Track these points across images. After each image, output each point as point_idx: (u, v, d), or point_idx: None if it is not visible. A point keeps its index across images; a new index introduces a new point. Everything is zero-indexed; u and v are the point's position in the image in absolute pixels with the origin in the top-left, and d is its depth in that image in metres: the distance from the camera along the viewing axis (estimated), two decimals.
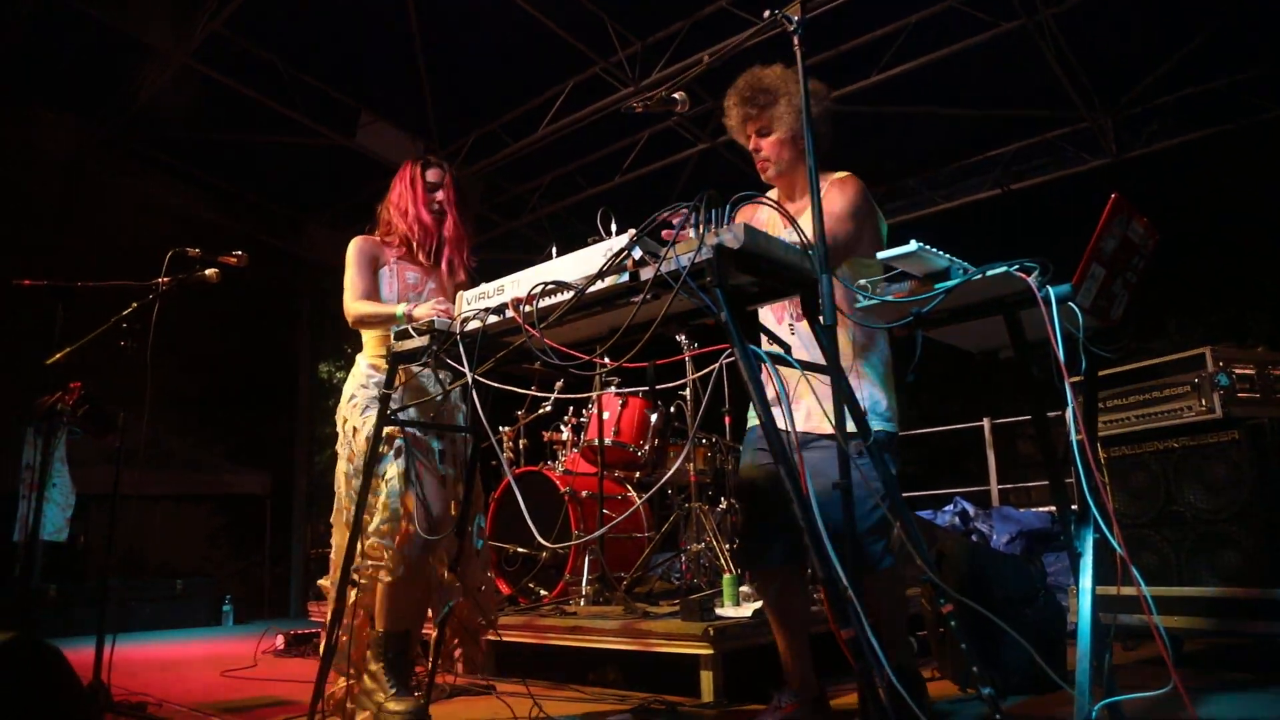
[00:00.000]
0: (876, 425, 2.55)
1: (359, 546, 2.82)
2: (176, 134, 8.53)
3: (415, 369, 2.93)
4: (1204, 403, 3.29)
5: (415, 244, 3.18)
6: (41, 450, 3.75)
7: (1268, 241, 9.81)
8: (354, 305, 3.08)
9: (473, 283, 2.85)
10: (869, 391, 2.61)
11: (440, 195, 3.21)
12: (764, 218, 2.82)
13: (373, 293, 3.12)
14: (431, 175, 3.22)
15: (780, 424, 1.82)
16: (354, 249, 3.17)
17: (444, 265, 3.20)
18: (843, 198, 2.60)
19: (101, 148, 8.43)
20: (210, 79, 7.40)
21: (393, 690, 2.81)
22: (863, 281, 2.25)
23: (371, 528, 2.82)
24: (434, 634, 3.07)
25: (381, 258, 3.19)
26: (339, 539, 3.02)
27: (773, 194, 2.83)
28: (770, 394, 1.89)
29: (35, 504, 3.74)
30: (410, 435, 2.91)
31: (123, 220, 8.57)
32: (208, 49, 7.10)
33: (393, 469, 2.85)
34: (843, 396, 1.93)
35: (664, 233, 1.96)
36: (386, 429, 2.80)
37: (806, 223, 2.42)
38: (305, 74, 7.83)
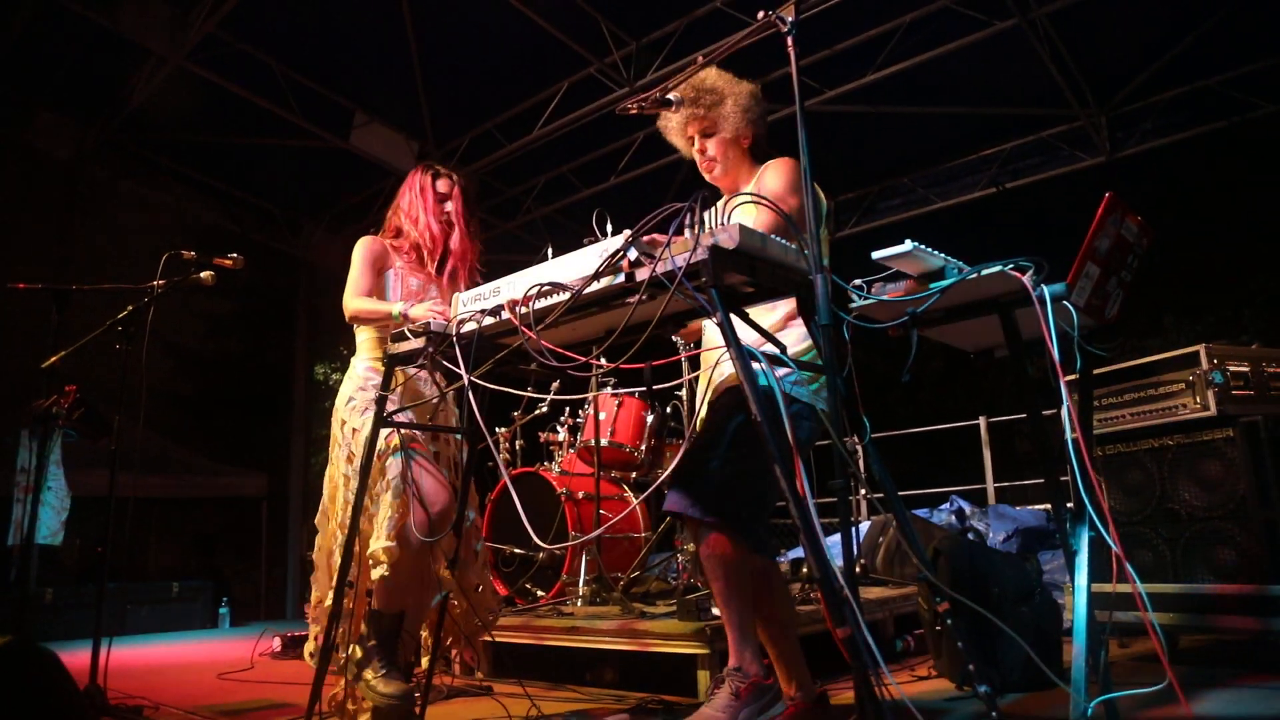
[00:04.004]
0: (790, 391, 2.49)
1: (357, 549, 2.81)
2: (174, 136, 8.54)
3: (411, 371, 2.92)
4: (1198, 400, 3.30)
5: (426, 253, 3.17)
6: (37, 453, 3.75)
7: (1262, 238, 9.84)
8: (352, 301, 3.08)
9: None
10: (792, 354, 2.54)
11: (449, 206, 3.21)
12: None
13: (375, 292, 3.12)
14: (441, 185, 3.22)
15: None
16: (362, 247, 3.17)
17: (446, 277, 3.19)
18: (778, 177, 2.62)
19: (100, 150, 8.44)
20: (206, 81, 7.40)
21: (382, 671, 2.78)
22: (857, 281, 2.25)
23: (380, 532, 2.79)
24: (430, 635, 3.07)
25: (388, 261, 3.18)
26: (323, 540, 3.01)
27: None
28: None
29: (30, 507, 3.74)
30: (408, 437, 2.91)
31: (121, 222, 8.58)
32: (203, 51, 7.10)
33: (394, 468, 2.85)
34: (838, 395, 1.93)
35: (647, 239, 1.96)
36: (385, 432, 2.80)
37: (738, 213, 2.43)
38: (300, 75, 7.83)
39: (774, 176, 2.64)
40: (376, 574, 2.76)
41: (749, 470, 2.45)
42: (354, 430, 2.97)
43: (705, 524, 2.49)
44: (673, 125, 2.81)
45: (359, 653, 2.85)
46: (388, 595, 2.85)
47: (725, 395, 2.58)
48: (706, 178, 2.83)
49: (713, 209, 2.09)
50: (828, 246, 2.69)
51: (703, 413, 2.74)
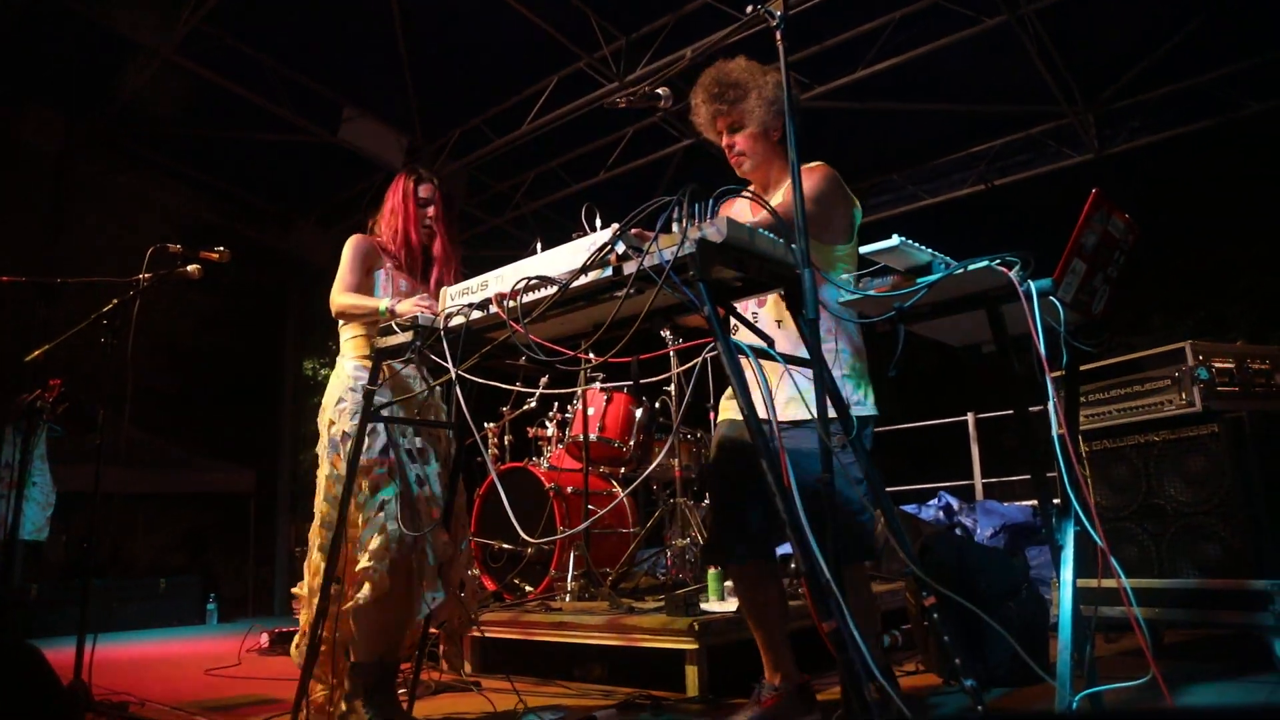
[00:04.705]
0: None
1: (344, 554, 2.80)
2: (162, 130, 8.48)
3: (398, 366, 2.91)
4: (1184, 396, 3.31)
5: (404, 265, 3.19)
6: (21, 448, 3.72)
7: (1247, 236, 9.89)
8: (340, 296, 3.08)
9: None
10: (839, 380, 2.60)
11: (431, 212, 3.21)
12: (739, 209, 2.82)
13: (363, 290, 3.12)
14: (424, 191, 3.22)
15: (761, 413, 1.83)
16: (352, 245, 3.17)
17: (432, 284, 3.19)
18: (808, 184, 2.58)
19: (88, 144, 8.37)
20: (195, 74, 7.36)
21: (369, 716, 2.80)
22: (845, 276, 2.26)
23: (368, 550, 2.78)
24: (418, 631, 3.06)
25: (378, 261, 3.18)
26: (316, 544, 2.99)
27: (751, 188, 2.84)
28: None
29: (15, 503, 3.72)
30: (393, 432, 2.90)
31: (108, 216, 8.51)
32: (191, 45, 7.06)
33: (390, 492, 2.83)
34: (824, 388, 1.93)
35: (633, 230, 1.96)
36: (378, 453, 2.80)
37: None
38: (288, 69, 7.79)
39: (804, 184, 2.61)
40: (362, 596, 2.74)
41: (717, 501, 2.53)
42: (343, 434, 2.94)
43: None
44: (702, 120, 2.80)
45: (344, 706, 2.85)
46: (364, 642, 2.84)
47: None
48: (737, 172, 2.82)
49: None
50: (855, 261, 2.69)
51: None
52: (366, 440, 2.83)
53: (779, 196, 2.69)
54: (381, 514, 2.81)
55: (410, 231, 3.17)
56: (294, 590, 3.04)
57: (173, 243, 3.55)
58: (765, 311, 2.72)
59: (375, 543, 2.77)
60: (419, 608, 2.87)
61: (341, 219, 9.82)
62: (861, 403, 2.63)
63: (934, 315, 2.31)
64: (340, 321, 3.15)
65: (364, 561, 2.76)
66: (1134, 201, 2.43)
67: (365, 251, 3.17)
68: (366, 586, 2.75)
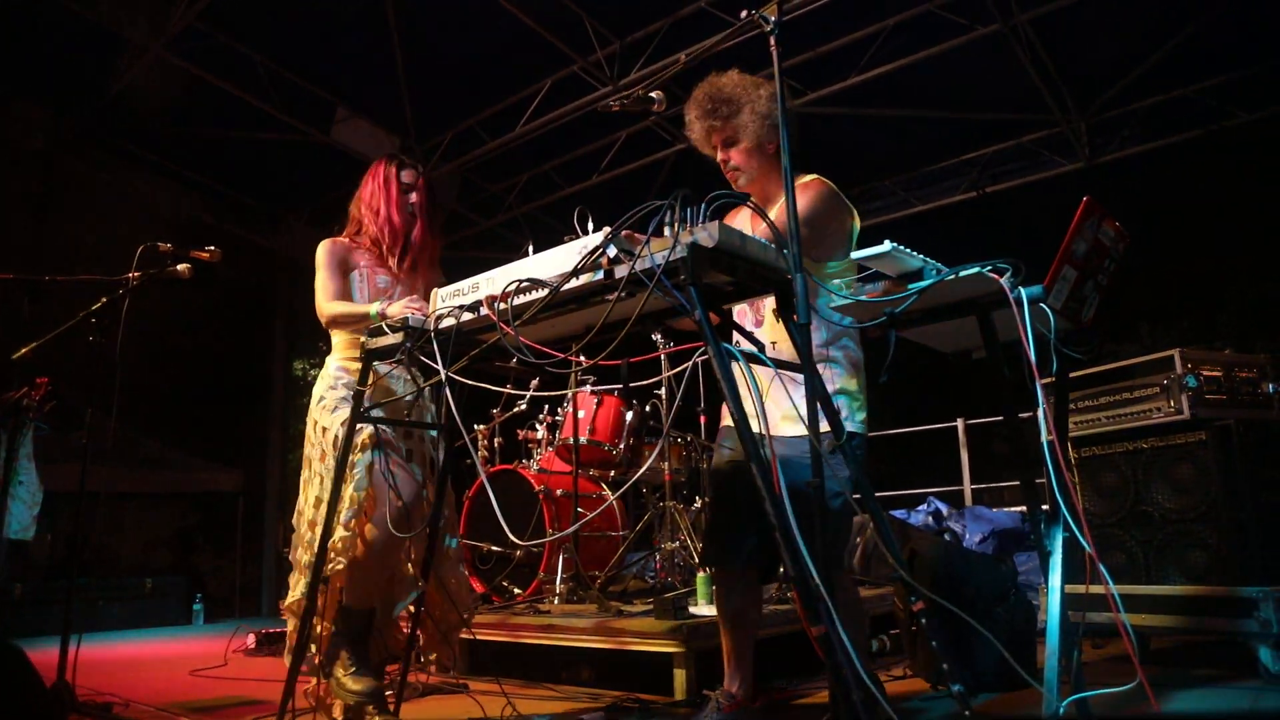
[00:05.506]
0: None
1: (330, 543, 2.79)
2: (153, 128, 8.43)
3: (384, 369, 2.90)
4: (1172, 404, 3.33)
5: (384, 247, 3.12)
6: (7, 447, 3.70)
7: (1237, 245, 9.94)
8: (328, 305, 3.04)
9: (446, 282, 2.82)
10: (833, 391, 2.61)
11: (414, 198, 3.16)
12: (740, 221, 2.82)
13: (345, 295, 3.08)
14: (406, 176, 3.16)
15: (754, 423, 1.83)
16: (324, 251, 3.12)
17: (411, 269, 3.16)
18: (801, 201, 2.56)
19: (77, 141, 8.32)
20: (186, 72, 7.33)
21: (352, 668, 2.77)
22: (836, 282, 2.26)
23: (339, 520, 2.77)
24: (406, 632, 3.05)
25: (351, 261, 3.13)
26: (299, 539, 2.98)
27: (752, 200, 2.84)
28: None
29: (0, 501, 3.69)
30: (382, 434, 2.89)
31: (97, 214, 8.46)
32: (183, 42, 7.02)
33: (361, 462, 2.81)
34: (816, 395, 1.93)
35: (624, 233, 1.96)
36: (358, 430, 2.78)
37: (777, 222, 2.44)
38: (281, 68, 7.76)
39: (799, 200, 2.60)
40: (338, 565, 2.74)
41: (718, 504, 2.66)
42: (324, 430, 2.94)
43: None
44: (696, 135, 2.78)
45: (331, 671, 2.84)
46: (354, 590, 2.83)
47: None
48: (734, 187, 2.81)
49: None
50: (852, 272, 2.69)
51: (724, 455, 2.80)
52: (343, 418, 2.80)
53: (774, 211, 2.69)
54: (350, 485, 2.77)
55: (393, 213, 3.11)
56: (282, 605, 3.04)
57: (162, 241, 3.53)
58: (762, 332, 2.72)
59: (345, 513, 2.75)
60: (401, 585, 2.89)
61: (333, 218, 9.76)
62: (849, 419, 2.61)
63: (925, 321, 2.31)
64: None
65: (339, 531, 2.75)
66: (1124, 209, 2.44)
67: (339, 255, 3.12)
68: (341, 553, 2.74)
